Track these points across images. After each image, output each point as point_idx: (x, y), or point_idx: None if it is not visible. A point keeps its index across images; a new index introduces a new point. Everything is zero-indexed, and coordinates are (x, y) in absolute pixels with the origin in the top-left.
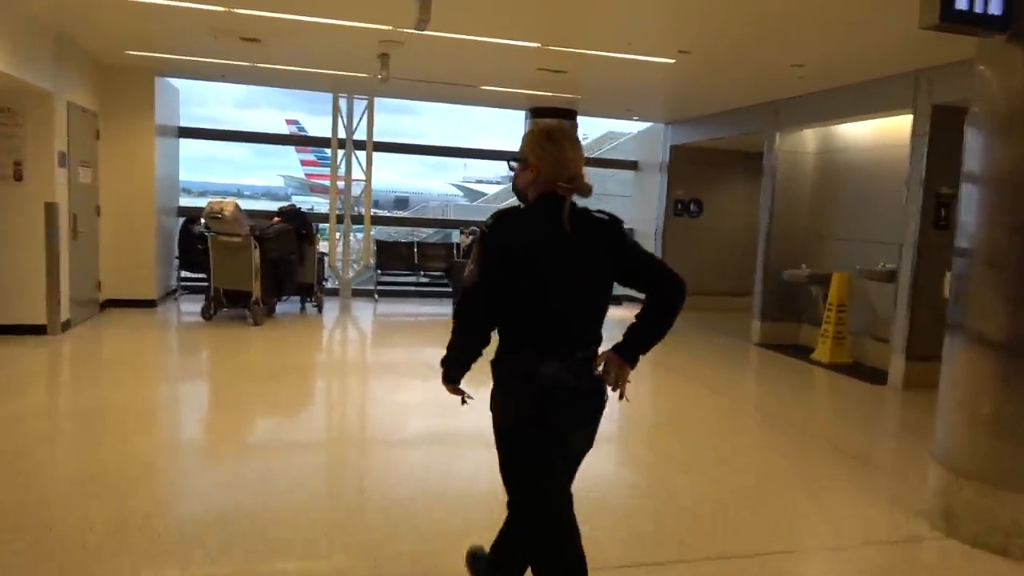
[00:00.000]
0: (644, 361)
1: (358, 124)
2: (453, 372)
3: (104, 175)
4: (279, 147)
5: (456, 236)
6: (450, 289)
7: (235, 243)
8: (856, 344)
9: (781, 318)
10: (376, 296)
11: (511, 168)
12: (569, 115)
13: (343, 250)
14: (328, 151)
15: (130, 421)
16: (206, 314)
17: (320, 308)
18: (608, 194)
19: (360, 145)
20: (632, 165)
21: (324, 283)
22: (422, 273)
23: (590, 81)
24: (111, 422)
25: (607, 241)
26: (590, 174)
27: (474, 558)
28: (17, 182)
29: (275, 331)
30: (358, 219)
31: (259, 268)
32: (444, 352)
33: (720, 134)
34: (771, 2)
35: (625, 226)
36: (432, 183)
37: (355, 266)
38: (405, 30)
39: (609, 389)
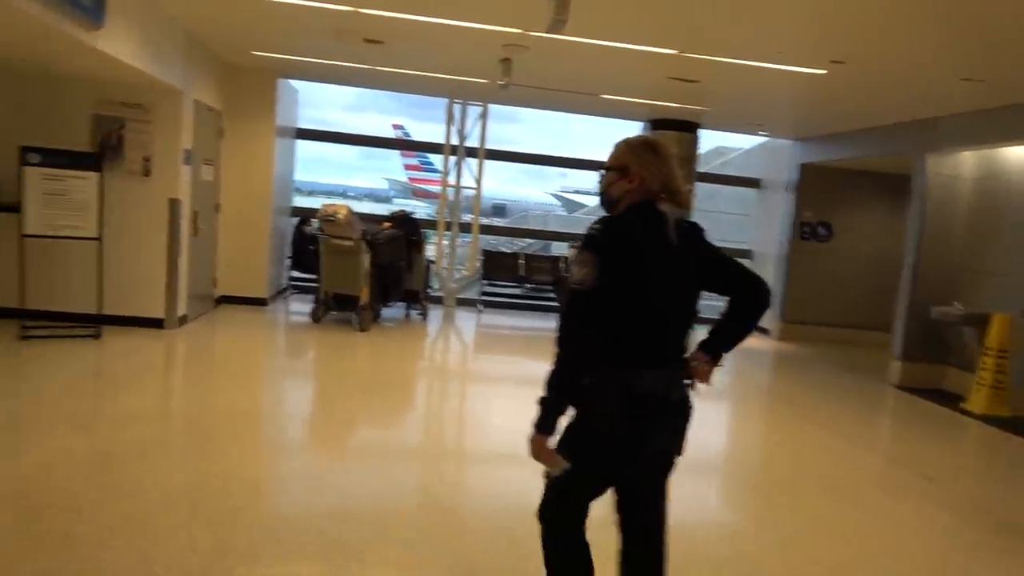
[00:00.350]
0: (763, 398)
1: (471, 131)
2: (551, 412)
3: (225, 173)
4: (383, 151)
5: (558, 248)
6: (556, 303)
7: (347, 247)
8: (1018, 396)
9: (925, 359)
10: (480, 306)
11: (602, 176)
12: (690, 128)
13: (449, 258)
14: (431, 157)
15: (237, 425)
16: (315, 316)
17: (425, 316)
18: (718, 211)
19: (471, 152)
20: (753, 183)
21: (429, 290)
22: (527, 285)
23: (723, 92)
24: (218, 426)
25: (696, 248)
26: (699, 189)
27: None
28: (144, 178)
29: (380, 337)
30: (464, 227)
31: (368, 273)
32: (547, 379)
33: (858, 153)
34: (958, 3)
35: (744, 247)
36: (529, 191)
37: (460, 274)
38: (534, 33)
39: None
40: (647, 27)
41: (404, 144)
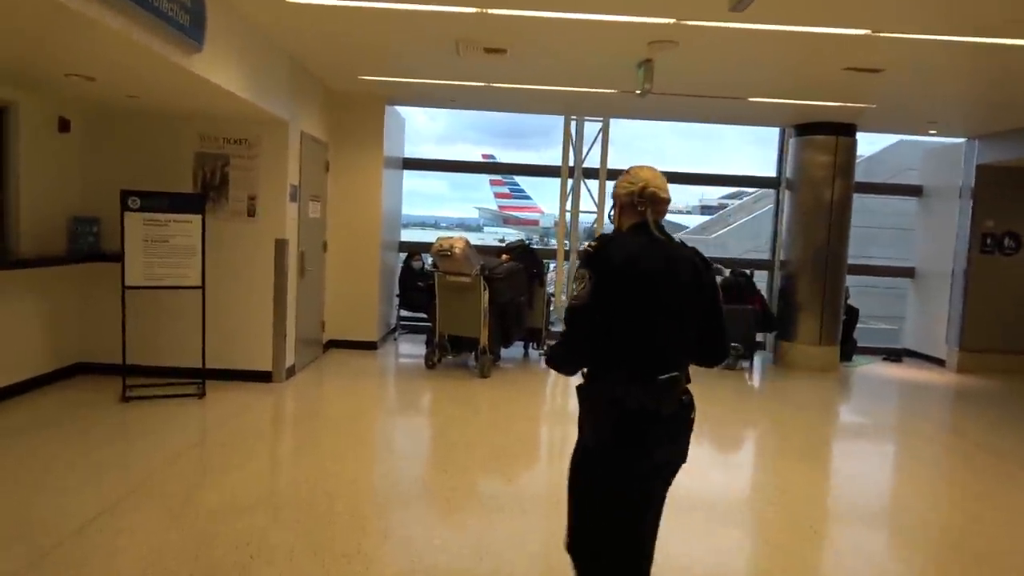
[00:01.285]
0: (957, 443)
1: (588, 150)
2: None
3: (331, 208)
4: (473, 180)
5: None
6: None
7: (464, 283)
8: None
9: None
10: None
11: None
12: (847, 131)
13: (568, 289)
14: (521, 181)
15: (358, 508)
16: (429, 362)
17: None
18: (864, 226)
19: (589, 173)
20: (915, 190)
21: (550, 327)
22: None
23: (904, 83)
24: (336, 513)
25: (699, 277)
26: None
27: None
28: (249, 218)
29: (503, 384)
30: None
31: (488, 312)
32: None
33: None
34: None
35: (905, 264)
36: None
37: None
38: (692, 23)
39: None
40: (835, 3)
41: (517, 169)
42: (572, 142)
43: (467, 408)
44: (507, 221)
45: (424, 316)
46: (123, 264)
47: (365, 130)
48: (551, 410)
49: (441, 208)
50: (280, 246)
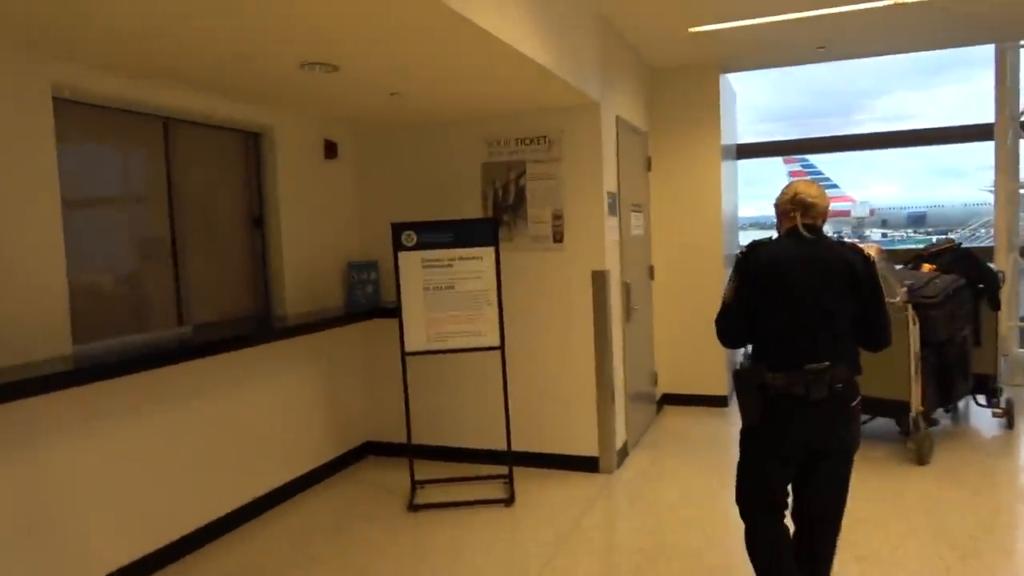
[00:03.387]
0: None
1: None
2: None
3: (655, 220)
4: (764, 174)
5: None
6: None
7: None
8: None
9: None
10: None
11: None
12: None
13: (1011, 306)
14: (813, 160)
15: None
16: None
17: (1009, 417)
18: None
19: None
20: None
21: (999, 370)
22: None
23: None
24: None
25: (853, 272)
26: None
27: None
28: (556, 244)
29: (957, 475)
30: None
31: (919, 359)
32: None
33: None
34: None
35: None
36: (948, 192)
37: None
38: None
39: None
40: None
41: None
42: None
43: (901, 516)
44: None
45: None
46: (400, 322)
47: (695, 111)
48: None
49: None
50: (599, 279)
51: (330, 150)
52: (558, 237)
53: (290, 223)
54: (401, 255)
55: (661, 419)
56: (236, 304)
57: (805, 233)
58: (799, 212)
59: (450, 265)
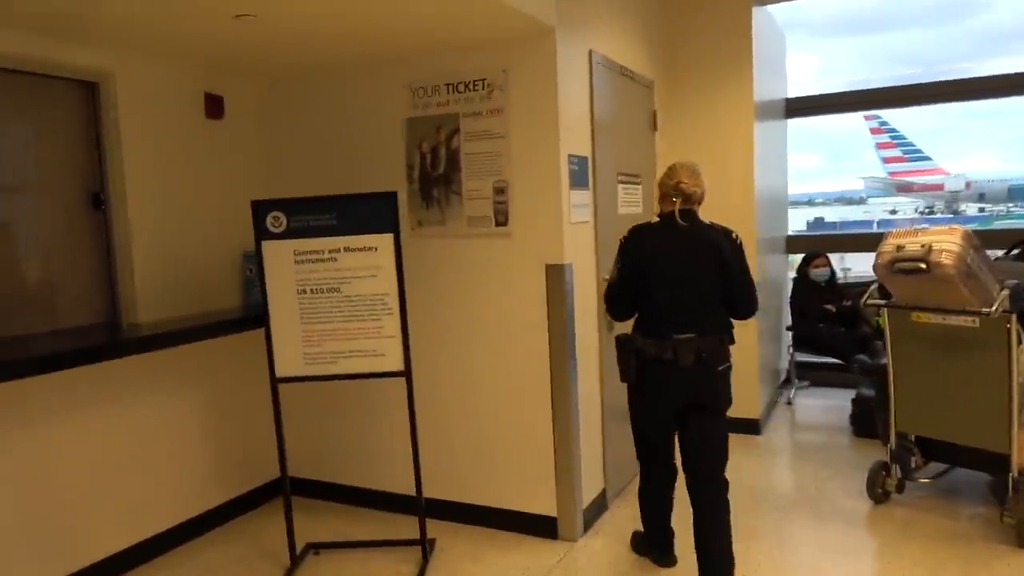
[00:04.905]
0: None
1: None
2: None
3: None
4: (852, 149)
5: None
6: None
7: (964, 331)
8: None
9: None
10: None
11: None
12: None
13: None
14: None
15: None
16: (876, 492)
17: None
18: None
19: None
20: None
21: None
22: None
23: None
24: None
25: (719, 250)
26: None
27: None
28: (499, 228)
29: None
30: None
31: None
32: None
33: None
34: None
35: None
36: None
37: None
38: None
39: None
40: None
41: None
42: None
43: None
44: (900, 189)
45: (838, 360)
46: (268, 337)
47: (718, 53)
48: None
49: (813, 183)
50: (555, 276)
51: (213, 106)
52: (501, 218)
53: (147, 202)
54: (266, 244)
55: None
56: (70, 310)
57: (680, 221)
58: (680, 199)
59: (333, 259)
